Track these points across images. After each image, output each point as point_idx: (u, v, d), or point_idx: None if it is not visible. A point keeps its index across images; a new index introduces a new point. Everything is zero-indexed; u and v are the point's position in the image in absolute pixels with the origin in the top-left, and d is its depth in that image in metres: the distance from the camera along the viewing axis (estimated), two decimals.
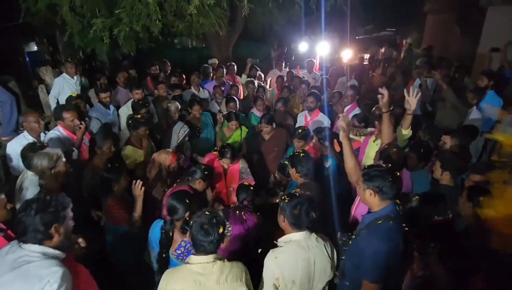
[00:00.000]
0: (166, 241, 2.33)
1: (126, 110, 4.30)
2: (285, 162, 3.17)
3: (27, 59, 9.17)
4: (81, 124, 3.39)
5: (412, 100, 2.88)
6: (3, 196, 2.12)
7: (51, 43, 9.55)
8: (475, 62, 9.12)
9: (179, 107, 4.22)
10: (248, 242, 2.51)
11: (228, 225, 2.50)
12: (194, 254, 1.85)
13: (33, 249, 1.59)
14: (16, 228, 1.64)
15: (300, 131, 3.57)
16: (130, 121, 3.63)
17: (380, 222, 1.89)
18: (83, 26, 5.63)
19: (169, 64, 6.69)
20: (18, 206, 2.62)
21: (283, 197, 2.13)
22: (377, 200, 1.95)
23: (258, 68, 6.88)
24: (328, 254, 2.08)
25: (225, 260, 1.85)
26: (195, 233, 1.81)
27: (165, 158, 3.25)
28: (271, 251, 2.02)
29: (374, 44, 13.27)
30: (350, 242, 2.09)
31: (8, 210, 2.12)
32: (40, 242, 1.61)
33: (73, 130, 3.48)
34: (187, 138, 4.04)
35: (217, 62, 7.41)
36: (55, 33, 8.43)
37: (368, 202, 2.03)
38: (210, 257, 1.80)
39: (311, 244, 2.04)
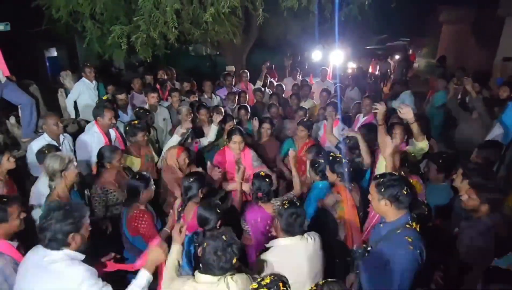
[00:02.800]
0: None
1: None
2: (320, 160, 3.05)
3: (47, 64, 9.45)
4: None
5: (405, 110, 2.81)
6: (16, 205, 2.07)
7: (70, 49, 9.83)
8: (492, 73, 8.97)
9: (191, 109, 4.23)
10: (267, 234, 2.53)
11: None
12: (200, 271, 1.79)
13: (54, 253, 1.75)
14: (38, 233, 1.76)
15: (305, 120, 3.78)
16: (127, 128, 3.51)
17: (399, 231, 1.85)
18: (102, 32, 5.80)
19: (174, 71, 6.78)
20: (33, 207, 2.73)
21: (283, 202, 2.21)
22: (393, 209, 1.92)
23: (270, 75, 6.94)
24: (320, 255, 2.18)
25: (231, 276, 1.78)
26: (207, 255, 1.75)
27: (171, 154, 3.22)
28: (261, 255, 2.12)
29: (366, 57, 13.01)
30: (366, 255, 2.05)
31: (22, 220, 2.10)
32: (58, 248, 1.76)
33: (106, 130, 3.66)
34: (189, 140, 3.94)
35: (234, 69, 7.49)
36: (74, 39, 8.69)
37: (383, 212, 2.00)
38: (216, 278, 1.76)
39: (300, 249, 2.11)
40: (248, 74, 6.65)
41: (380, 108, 2.90)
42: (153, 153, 3.73)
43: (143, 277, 1.95)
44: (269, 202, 2.73)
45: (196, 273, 1.81)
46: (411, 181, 2.75)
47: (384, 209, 1.95)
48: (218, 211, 2.28)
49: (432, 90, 6.32)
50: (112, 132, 3.81)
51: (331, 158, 2.86)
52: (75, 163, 2.69)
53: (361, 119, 4.49)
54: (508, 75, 6.83)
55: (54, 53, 10.00)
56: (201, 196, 2.65)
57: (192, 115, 4.17)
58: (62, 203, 1.87)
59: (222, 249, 1.73)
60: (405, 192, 1.88)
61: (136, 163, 3.48)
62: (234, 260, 1.74)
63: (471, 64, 11.28)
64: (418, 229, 1.88)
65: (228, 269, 1.76)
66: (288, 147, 3.82)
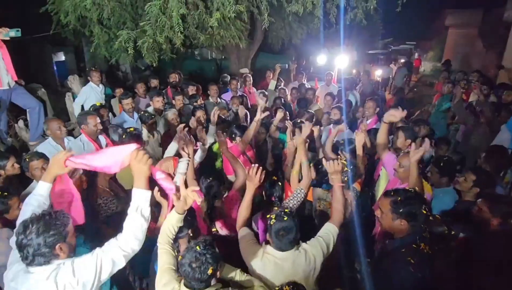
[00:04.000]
0: None
1: None
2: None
3: (55, 68, 9.59)
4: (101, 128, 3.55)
5: (395, 113, 2.85)
6: (15, 198, 2.26)
7: (78, 54, 9.97)
8: (498, 77, 8.90)
9: (177, 113, 4.23)
10: None
11: None
12: (184, 284, 1.74)
13: (40, 270, 1.56)
14: (18, 250, 1.57)
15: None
16: (124, 136, 3.33)
17: (404, 250, 1.78)
18: (109, 37, 5.88)
19: (181, 74, 6.83)
20: None
21: (270, 216, 2.07)
22: (406, 227, 1.84)
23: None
24: (312, 266, 2.05)
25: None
26: (183, 268, 1.70)
27: (167, 166, 3.01)
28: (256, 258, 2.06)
29: (366, 62, 12.83)
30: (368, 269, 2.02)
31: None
32: (47, 262, 1.57)
33: (94, 137, 3.57)
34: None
35: (248, 71, 7.53)
36: (82, 44, 8.81)
37: (394, 229, 1.91)
38: None
39: (288, 264, 1.99)
40: (251, 78, 6.68)
41: (397, 114, 2.87)
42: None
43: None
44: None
45: (181, 286, 1.75)
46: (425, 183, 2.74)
47: (397, 227, 1.87)
48: (189, 218, 2.18)
49: (437, 94, 6.29)
50: (102, 139, 3.71)
51: None
52: (80, 171, 2.58)
53: (365, 122, 4.47)
54: None
55: (62, 57, 10.14)
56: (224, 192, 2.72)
57: (178, 119, 4.17)
58: (40, 214, 1.65)
59: (195, 260, 1.67)
60: (424, 211, 1.81)
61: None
62: (210, 271, 1.67)
63: (477, 68, 11.20)
64: (427, 250, 1.78)
65: (206, 280, 1.69)
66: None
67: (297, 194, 2.63)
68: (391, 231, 1.96)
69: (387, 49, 18.24)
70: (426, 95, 7.96)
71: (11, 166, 2.89)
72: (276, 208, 2.30)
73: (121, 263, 1.69)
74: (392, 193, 1.93)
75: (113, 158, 1.79)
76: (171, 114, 4.21)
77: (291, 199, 2.61)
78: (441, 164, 2.92)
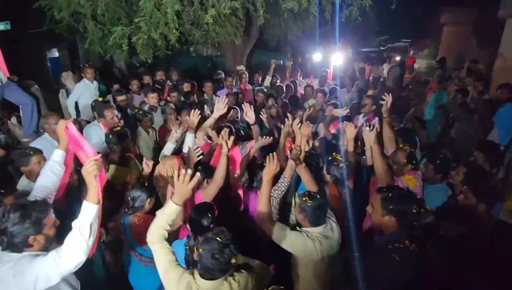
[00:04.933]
0: (191, 258, 2.13)
1: None
2: None
3: (49, 65, 9.49)
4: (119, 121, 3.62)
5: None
6: (11, 197, 2.19)
7: (72, 50, 9.87)
8: (493, 75, 8.96)
9: (174, 108, 4.23)
10: None
11: None
12: (201, 276, 1.74)
13: (17, 256, 1.62)
14: None
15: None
16: (110, 136, 3.22)
17: (390, 247, 1.78)
18: (103, 33, 5.83)
19: (176, 73, 6.80)
20: None
21: (303, 197, 2.24)
22: (395, 224, 1.86)
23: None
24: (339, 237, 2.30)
25: (233, 277, 1.75)
26: (204, 260, 1.70)
27: (171, 164, 2.92)
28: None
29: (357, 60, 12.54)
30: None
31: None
32: (19, 251, 1.63)
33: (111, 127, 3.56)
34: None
35: (244, 68, 7.53)
36: (76, 40, 8.73)
37: (383, 225, 1.94)
38: (218, 282, 1.72)
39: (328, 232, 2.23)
40: (247, 75, 6.67)
41: (388, 99, 2.99)
42: (137, 161, 3.52)
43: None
44: None
45: (197, 276, 1.74)
46: (408, 177, 2.79)
47: (385, 223, 1.90)
48: (210, 215, 2.23)
49: (431, 91, 6.32)
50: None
51: (330, 158, 2.83)
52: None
53: (361, 120, 4.49)
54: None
55: (55, 54, 10.04)
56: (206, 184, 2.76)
57: (176, 114, 4.14)
58: (20, 202, 1.70)
59: (219, 251, 1.67)
60: (414, 211, 1.84)
61: (125, 173, 3.18)
62: (234, 260, 1.70)
63: (471, 66, 11.26)
64: (413, 247, 1.78)
65: (228, 270, 1.72)
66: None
67: (281, 183, 2.68)
68: (380, 227, 1.98)
69: (380, 47, 18.25)
70: (421, 93, 7.99)
71: None
72: None
73: (55, 280, 1.62)
74: (384, 190, 1.97)
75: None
76: (169, 109, 4.20)
77: (276, 190, 2.67)
78: (437, 161, 2.93)
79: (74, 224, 1.66)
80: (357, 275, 1.96)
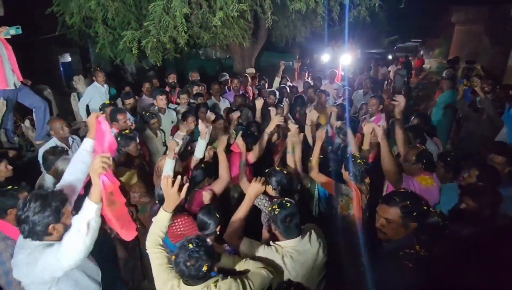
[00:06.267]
0: None
1: None
2: None
3: (61, 69, 9.70)
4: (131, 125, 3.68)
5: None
6: (25, 192, 2.22)
7: (83, 54, 10.07)
8: (505, 74, 8.80)
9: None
10: None
11: None
12: (183, 282, 1.73)
13: (35, 244, 1.70)
14: (17, 224, 1.72)
15: None
16: (119, 138, 3.20)
17: (401, 253, 1.74)
18: (114, 37, 5.94)
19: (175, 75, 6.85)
20: None
21: (272, 206, 2.10)
22: (395, 227, 1.83)
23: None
24: (322, 251, 2.15)
25: (215, 284, 1.71)
26: (177, 267, 1.69)
27: (162, 165, 3.02)
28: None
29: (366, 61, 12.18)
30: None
31: None
32: (40, 239, 1.71)
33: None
34: (189, 148, 3.74)
35: (254, 71, 7.54)
36: (87, 44, 8.90)
37: (399, 234, 1.87)
38: (197, 288, 1.70)
39: (306, 246, 2.08)
40: (249, 78, 6.69)
41: (401, 100, 2.96)
42: (145, 163, 3.56)
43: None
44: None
45: (181, 281, 1.74)
46: (424, 177, 2.75)
47: (402, 232, 1.85)
48: (218, 215, 2.26)
49: (439, 90, 6.24)
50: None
51: (347, 156, 2.87)
52: None
53: (369, 120, 4.46)
54: None
55: (68, 58, 10.25)
56: (207, 184, 2.78)
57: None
58: (40, 192, 1.76)
59: (190, 258, 1.65)
60: (425, 207, 1.84)
61: (132, 175, 3.16)
62: (205, 268, 1.65)
63: (484, 65, 11.08)
64: (423, 252, 1.75)
65: (203, 277, 1.68)
66: None
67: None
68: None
69: (390, 47, 18.03)
70: (432, 93, 7.88)
71: (4, 168, 2.91)
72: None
73: (58, 273, 1.70)
74: (397, 200, 1.87)
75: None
76: (183, 110, 4.25)
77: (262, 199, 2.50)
78: (448, 159, 2.91)
79: (73, 221, 1.69)
80: (368, 282, 1.93)
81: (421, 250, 1.74)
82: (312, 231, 2.18)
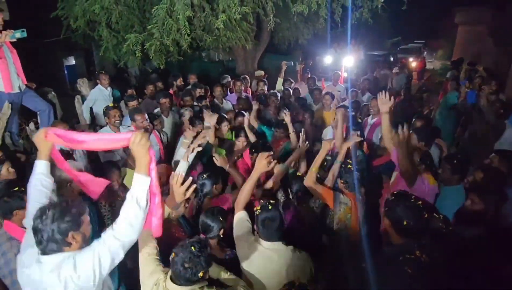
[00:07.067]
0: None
1: None
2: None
3: (66, 72, 9.78)
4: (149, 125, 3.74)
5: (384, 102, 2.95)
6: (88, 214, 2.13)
7: (87, 57, 10.15)
8: (509, 75, 8.74)
9: (192, 112, 4.28)
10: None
11: None
12: (171, 279, 1.72)
13: (51, 260, 1.58)
14: (34, 235, 1.60)
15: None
16: None
17: (401, 259, 1.73)
18: (117, 41, 5.98)
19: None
20: None
21: (256, 208, 2.18)
22: (394, 234, 1.86)
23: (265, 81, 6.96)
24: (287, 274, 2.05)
25: (202, 288, 1.70)
26: (175, 265, 1.68)
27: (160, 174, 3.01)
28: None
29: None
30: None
31: None
32: (59, 250, 1.60)
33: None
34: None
35: (263, 73, 7.53)
36: (91, 47, 8.97)
37: (388, 231, 1.93)
38: (185, 288, 1.68)
39: (275, 255, 2.06)
40: (249, 80, 6.70)
41: (385, 99, 2.98)
42: None
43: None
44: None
45: (168, 277, 1.74)
46: (428, 175, 2.80)
47: (388, 229, 1.90)
48: (221, 219, 2.25)
49: (443, 92, 6.22)
50: (152, 137, 3.88)
51: (342, 164, 2.84)
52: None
53: (370, 121, 4.45)
54: None
55: (72, 61, 10.34)
56: (217, 192, 2.81)
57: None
58: (57, 201, 1.71)
59: (189, 260, 1.64)
60: (412, 222, 1.83)
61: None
62: (201, 274, 1.65)
63: (487, 66, 11.01)
64: (424, 258, 1.74)
65: (195, 282, 1.68)
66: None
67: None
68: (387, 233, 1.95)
69: (393, 48, 17.90)
70: (436, 94, 7.84)
71: (6, 171, 2.87)
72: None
73: (120, 254, 1.64)
74: (392, 195, 1.93)
75: (107, 144, 1.86)
76: (188, 113, 4.26)
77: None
78: (454, 161, 2.88)
79: (129, 195, 1.65)
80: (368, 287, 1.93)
81: (421, 256, 1.73)
82: (301, 252, 2.15)
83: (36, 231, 1.58)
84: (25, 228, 2.15)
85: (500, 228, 2.21)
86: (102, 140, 1.88)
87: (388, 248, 1.93)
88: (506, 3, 10.95)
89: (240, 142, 3.73)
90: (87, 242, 1.69)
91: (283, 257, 2.06)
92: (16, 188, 2.20)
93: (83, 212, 1.68)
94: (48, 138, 1.83)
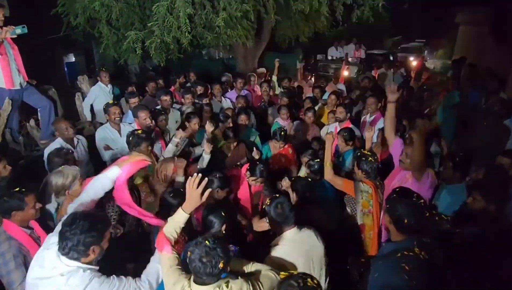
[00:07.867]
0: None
1: None
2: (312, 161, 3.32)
3: (66, 69, 9.78)
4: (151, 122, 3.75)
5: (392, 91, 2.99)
6: (32, 195, 2.23)
7: (88, 55, 10.15)
8: (510, 74, 8.73)
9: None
10: None
11: None
12: (194, 281, 1.72)
13: (68, 263, 1.66)
14: (59, 240, 1.67)
15: (281, 133, 3.82)
16: (130, 138, 3.16)
17: (399, 255, 1.71)
18: (118, 38, 5.98)
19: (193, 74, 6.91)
20: (47, 205, 2.64)
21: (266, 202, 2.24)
22: (394, 231, 1.83)
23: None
24: (321, 243, 2.21)
25: (226, 284, 1.70)
26: (193, 264, 1.66)
27: (165, 168, 2.95)
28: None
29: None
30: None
31: (37, 210, 2.26)
32: (76, 259, 1.67)
33: (145, 128, 3.66)
34: (187, 148, 3.74)
35: (265, 71, 7.53)
36: (92, 45, 8.97)
37: (388, 227, 1.91)
38: (209, 287, 1.68)
39: (304, 237, 2.16)
40: (256, 77, 6.69)
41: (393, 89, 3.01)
42: (155, 161, 3.50)
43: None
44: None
45: (192, 281, 1.73)
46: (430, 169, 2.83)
47: (388, 225, 1.87)
48: (223, 214, 2.25)
49: (443, 91, 6.20)
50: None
51: (358, 154, 2.95)
52: (80, 181, 2.55)
53: (368, 119, 4.45)
54: None
55: (72, 58, 10.34)
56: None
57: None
58: (87, 211, 1.79)
59: (206, 255, 1.64)
60: (412, 220, 1.78)
61: (140, 175, 3.09)
62: (221, 265, 1.65)
63: (489, 65, 10.98)
64: (423, 256, 1.72)
65: (217, 274, 1.67)
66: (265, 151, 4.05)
67: None
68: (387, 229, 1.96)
69: (394, 47, 17.83)
70: (437, 93, 7.83)
71: (2, 168, 2.88)
72: None
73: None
74: (395, 190, 1.91)
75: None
76: (188, 110, 4.28)
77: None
78: (456, 159, 2.94)
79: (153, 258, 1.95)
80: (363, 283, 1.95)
81: (420, 253, 1.72)
82: (309, 228, 2.26)
83: (62, 236, 1.65)
84: (25, 228, 2.20)
85: (502, 227, 2.21)
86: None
87: (386, 244, 1.93)
88: (507, 2, 10.92)
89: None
90: (101, 255, 1.76)
91: (309, 238, 2.19)
92: (17, 189, 2.21)
93: (108, 227, 1.78)
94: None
